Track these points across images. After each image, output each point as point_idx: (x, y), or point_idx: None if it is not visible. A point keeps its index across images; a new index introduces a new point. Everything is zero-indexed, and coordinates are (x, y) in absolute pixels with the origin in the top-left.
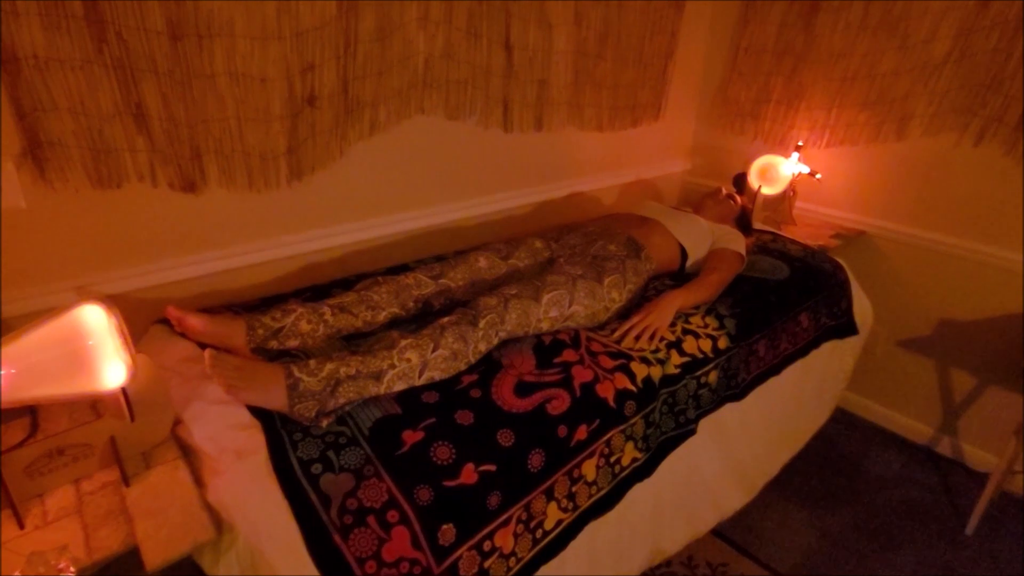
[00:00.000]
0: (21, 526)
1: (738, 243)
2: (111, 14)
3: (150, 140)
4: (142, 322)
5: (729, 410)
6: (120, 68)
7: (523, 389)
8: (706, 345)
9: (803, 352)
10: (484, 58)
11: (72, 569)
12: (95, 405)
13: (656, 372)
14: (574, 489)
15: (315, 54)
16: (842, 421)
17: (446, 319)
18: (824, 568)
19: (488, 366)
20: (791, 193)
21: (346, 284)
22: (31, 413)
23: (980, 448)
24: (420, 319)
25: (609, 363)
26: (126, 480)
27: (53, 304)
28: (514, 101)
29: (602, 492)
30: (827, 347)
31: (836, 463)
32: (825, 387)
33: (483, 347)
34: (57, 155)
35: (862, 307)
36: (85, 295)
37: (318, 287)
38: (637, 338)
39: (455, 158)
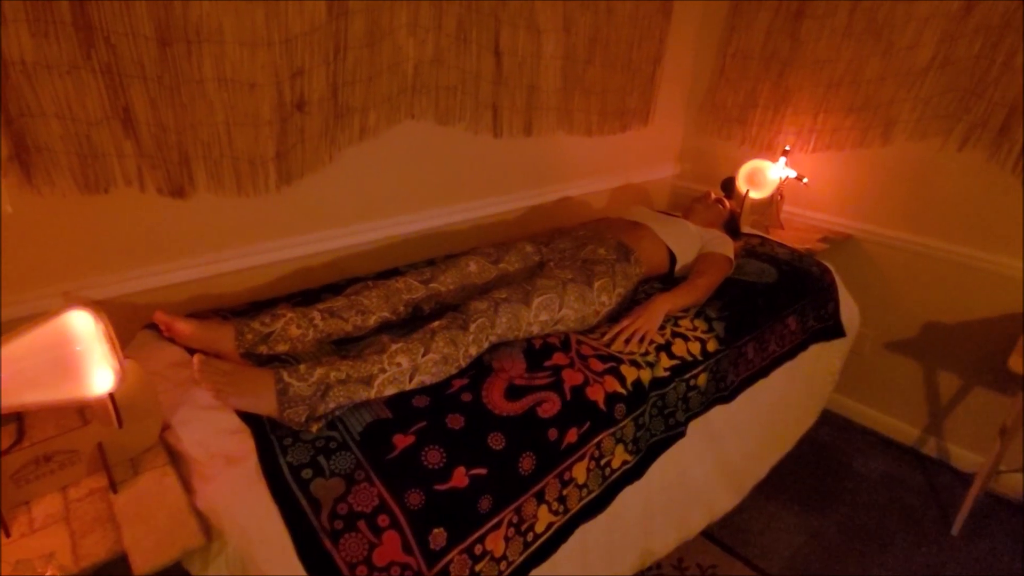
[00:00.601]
0: (7, 534)
1: (726, 247)
2: (99, 19)
3: (138, 145)
4: (130, 327)
5: (718, 412)
6: (108, 73)
7: (514, 392)
8: (695, 348)
9: (791, 354)
10: (474, 63)
11: None
12: (82, 411)
13: (646, 375)
14: (565, 492)
15: (304, 59)
16: (830, 423)
17: (436, 323)
18: (813, 569)
19: (479, 370)
20: (778, 197)
21: (336, 289)
22: (17, 420)
23: (966, 449)
24: (410, 323)
25: (599, 366)
26: (114, 487)
27: (40, 310)
28: (503, 106)
29: (592, 495)
30: (815, 349)
31: (824, 464)
32: (813, 389)
33: (473, 351)
34: (44, 160)
35: (849, 310)
36: (72, 300)
37: (308, 292)
38: (627, 341)
39: (445, 163)
